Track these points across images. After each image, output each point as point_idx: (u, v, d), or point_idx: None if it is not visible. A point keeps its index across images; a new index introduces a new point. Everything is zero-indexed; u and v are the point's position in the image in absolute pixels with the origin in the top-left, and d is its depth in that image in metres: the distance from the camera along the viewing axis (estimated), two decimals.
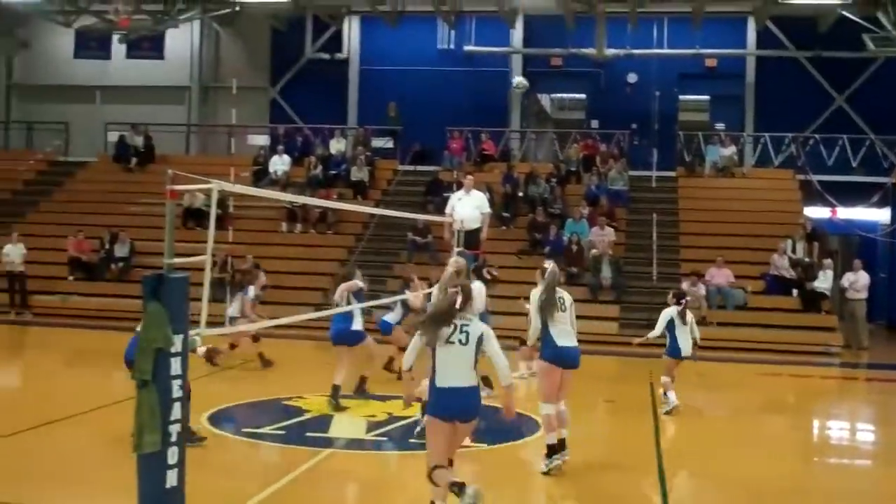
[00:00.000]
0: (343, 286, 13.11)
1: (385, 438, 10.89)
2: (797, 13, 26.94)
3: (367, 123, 29.34)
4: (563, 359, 9.60)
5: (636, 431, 12.77)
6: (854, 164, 26.62)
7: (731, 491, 9.62)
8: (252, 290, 16.22)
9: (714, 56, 28.71)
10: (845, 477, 11.08)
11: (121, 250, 23.82)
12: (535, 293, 9.77)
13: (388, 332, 15.07)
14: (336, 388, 12.67)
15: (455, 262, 11.54)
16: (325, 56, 30.53)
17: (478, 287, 13.40)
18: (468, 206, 16.86)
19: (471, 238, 16.11)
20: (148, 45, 30.33)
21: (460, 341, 7.30)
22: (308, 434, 11.05)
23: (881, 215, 26.29)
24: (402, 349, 10.63)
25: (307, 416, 12.10)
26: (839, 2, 25.13)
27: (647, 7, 26.59)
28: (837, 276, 22.38)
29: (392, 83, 29.48)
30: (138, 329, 10.33)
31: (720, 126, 29.10)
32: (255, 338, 15.94)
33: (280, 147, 27.47)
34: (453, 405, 7.31)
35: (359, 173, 26.42)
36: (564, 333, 9.64)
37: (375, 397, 13.12)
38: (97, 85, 31.71)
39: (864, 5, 25.08)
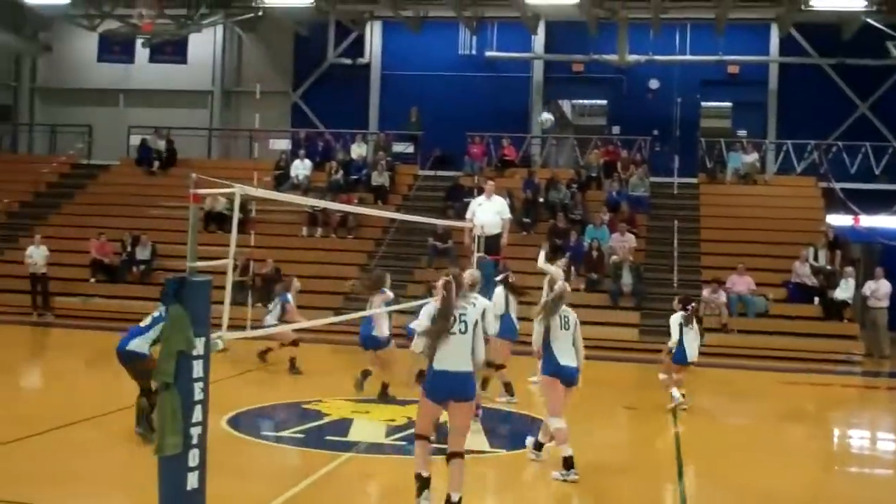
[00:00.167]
0: (379, 298, 13.32)
1: (405, 442, 10.85)
2: (821, 20, 26.80)
3: (388, 128, 29.39)
4: (563, 376, 9.77)
5: (656, 438, 12.75)
6: (877, 172, 26.50)
7: (751, 499, 9.56)
8: (291, 297, 16.27)
9: (737, 63, 28.63)
10: (866, 486, 11.00)
11: (142, 253, 23.94)
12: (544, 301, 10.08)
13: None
14: (384, 386, 13.34)
15: (470, 274, 11.59)
16: (347, 61, 30.62)
17: (498, 293, 13.52)
18: (489, 212, 16.81)
19: (491, 244, 16.09)
20: (171, 50, 30.45)
21: (460, 331, 7.87)
22: (327, 438, 11.06)
23: None
24: None
25: (326, 419, 12.11)
26: (863, 9, 25.00)
27: (670, 13, 26.52)
28: (859, 285, 22.22)
29: (413, 88, 29.52)
30: (140, 324, 10.61)
31: (742, 133, 29.00)
32: (295, 342, 15.98)
33: (301, 151, 27.55)
34: (445, 388, 7.84)
35: (379, 178, 26.46)
36: (565, 352, 9.80)
37: (395, 401, 13.13)
38: (120, 88, 31.90)
39: (888, 13, 24.98)
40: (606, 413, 14.06)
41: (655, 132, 28.18)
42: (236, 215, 7.33)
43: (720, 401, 16.76)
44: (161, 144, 28.90)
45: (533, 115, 29.88)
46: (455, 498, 7.83)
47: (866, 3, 24.49)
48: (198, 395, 6.46)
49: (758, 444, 12.40)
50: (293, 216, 25.42)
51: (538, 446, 10.14)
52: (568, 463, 9.54)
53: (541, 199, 25.21)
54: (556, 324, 9.79)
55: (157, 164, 28.53)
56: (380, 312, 13.31)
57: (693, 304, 14.03)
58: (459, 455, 7.92)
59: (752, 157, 26.74)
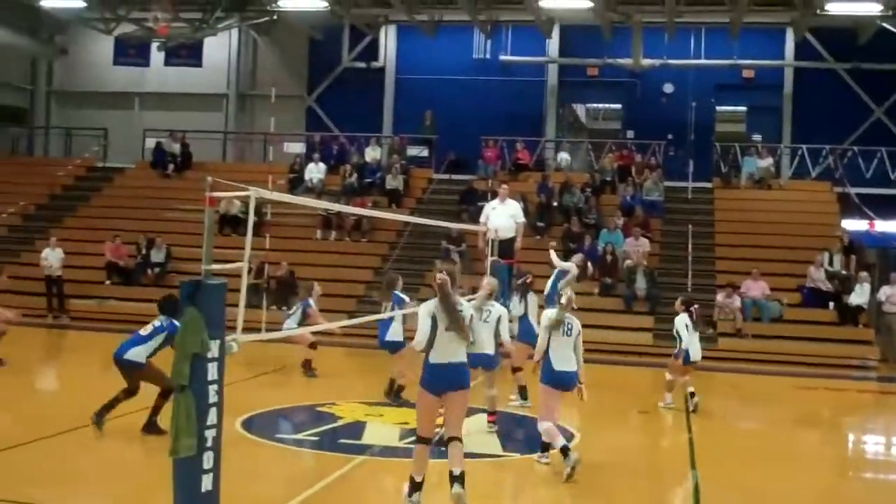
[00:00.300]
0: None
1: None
2: (836, 24, 26.73)
3: (402, 132, 29.43)
4: (559, 382, 9.95)
5: (670, 443, 12.74)
6: (892, 177, 26.45)
7: None
8: (313, 301, 16.30)
9: (751, 67, 28.59)
10: (881, 492, 10.95)
11: (157, 256, 24.01)
12: (549, 313, 10.16)
13: None
14: (400, 388, 13.31)
15: (488, 282, 11.70)
16: (362, 65, 30.71)
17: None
18: (503, 216, 16.85)
19: (505, 247, 16.13)
20: (186, 53, 30.60)
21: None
22: (341, 441, 11.06)
23: None
24: None
25: (340, 422, 12.11)
26: (879, 14, 24.91)
27: (685, 17, 26.48)
28: (874, 290, 22.13)
29: (428, 92, 29.56)
30: (141, 332, 10.70)
31: (757, 137, 28.97)
32: (313, 345, 16.02)
33: (316, 155, 27.59)
34: (443, 380, 8.17)
35: (393, 181, 26.49)
36: (564, 357, 9.94)
37: (410, 405, 13.11)
38: (136, 92, 32.05)
39: None
40: (620, 417, 14.04)
41: (670, 136, 28.16)
42: (251, 218, 7.35)
43: (734, 405, 16.71)
44: (176, 147, 29.00)
45: (547, 119, 29.89)
46: (457, 472, 8.11)
47: (882, 7, 24.40)
48: (212, 398, 6.48)
49: (772, 448, 12.36)
50: (307, 219, 25.45)
51: (544, 448, 10.14)
52: (565, 451, 9.72)
53: (555, 203, 25.19)
54: (557, 330, 9.93)
55: (171, 167, 28.61)
56: (394, 315, 13.31)
57: (696, 306, 14.14)
58: (458, 439, 8.25)
59: (767, 162, 26.67)
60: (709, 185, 26.89)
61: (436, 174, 28.16)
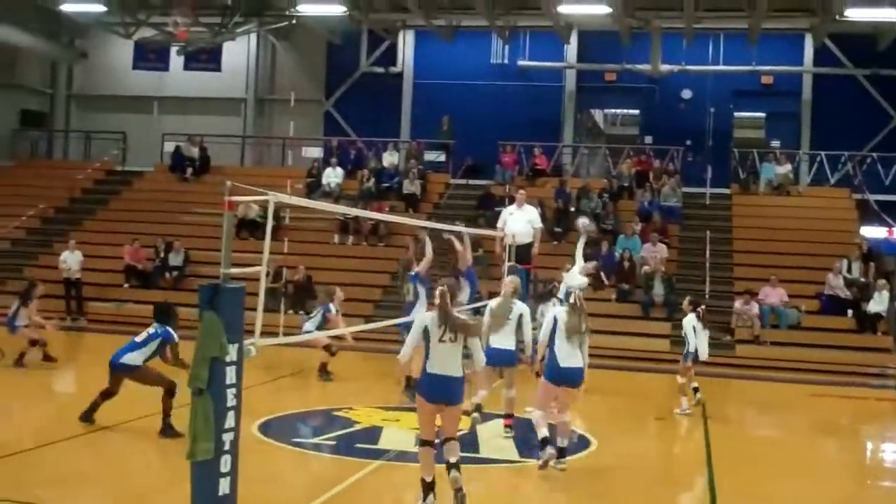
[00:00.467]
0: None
1: (434, 451, 10.84)
2: (856, 31, 26.61)
3: (419, 137, 29.44)
4: (563, 378, 10.04)
5: (687, 449, 12.71)
6: None
7: None
8: (333, 306, 16.35)
9: (770, 73, 28.47)
10: None
11: (175, 259, 24.10)
12: (560, 311, 10.24)
13: None
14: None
15: (511, 280, 11.74)
16: (380, 70, 30.74)
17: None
18: (520, 221, 16.83)
19: (522, 253, 16.11)
20: (205, 58, 30.68)
21: (450, 339, 8.36)
22: (357, 445, 11.06)
23: None
24: None
25: (357, 427, 12.12)
26: None
27: (703, 23, 26.43)
28: (893, 297, 21.98)
29: (445, 97, 29.57)
30: (136, 339, 10.95)
31: (776, 143, 28.85)
32: (334, 351, 16.06)
33: (333, 159, 27.65)
34: (438, 391, 8.38)
35: (411, 186, 26.51)
36: (569, 354, 10.01)
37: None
38: (155, 96, 32.17)
39: None
40: (637, 424, 14.01)
41: (688, 142, 28.08)
42: (270, 222, 7.37)
43: (752, 412, 16.66)
44: (194, 152, 29.09)
45: (565, 125, 29.86)
46: (453, 461, 8.39)
47: None
48: (230, 401, 6.51)
49: (789, 457, 12.31)
50: (325, 223, 25.50)
51: (561, 453, 10.12)
52: (544, 442, 9.98)
53: (572, 209, 25.15)
54: (562, 327, 10.01)
55: (190, 171, 28.71)
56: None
57: (703, 306, 14.34)
58: (453, 438, 8.55)
59: (786, 168, 26.59)
60: (727, 191, 26.81)
61: (453, 179, 28.16)
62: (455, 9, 27.63)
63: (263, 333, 7.13)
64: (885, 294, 21.51)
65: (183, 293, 22.76)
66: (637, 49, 27.61)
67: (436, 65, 30.40)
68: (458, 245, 15.25)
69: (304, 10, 27.68)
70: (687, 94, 29.05)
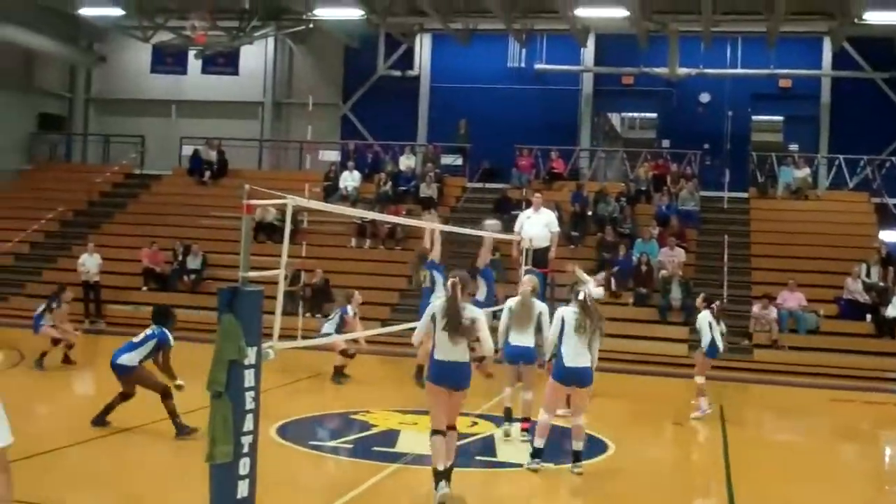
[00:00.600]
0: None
1: None
2: (874, 34, 26.47)
3: (436, 140, 29.47)
4: (571, 378, 10.02)
5: (705, 455, 12.65)
6: None
7: None
8: (351, 309, 16.39)
9: (788, 76, 28.39)
10: None
11: (193, 262, 24.17)
12: (567, 311, 10.15)
13: None
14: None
15: (530, 279, 11.76)
16: (397, 73, 30.79)
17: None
18: (537, 225, 16.80)
19: (539, 257, 16.08)
20: (223, 61, 30.80)
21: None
22: (375, 448, 11.06)
23: None
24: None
25: (374, 430, 12.13)
26: None
27: (721, 26, 26.34)
28: None
29: (462, 101, 29.59)
30: (134, 339, 11.15)
31: (794, 147, 28.77)
32: (351, 354, 16.12)
33: (350, 163, 27.69)
34: (445, 375, 8.71)
35: (428, 190, 26.53)
36: (576, 354, 9.98)
37: None
38: (173, 99, 32.29)
39: None
40: (655, 429, 13.97)
41: (706, 146, 28.03)
42: (288, 226, 7.38)
43: (770, 417, 16.60)
44: (212, 155, 29.20)
45: (582, 128, 29.83)
46: (447, 465, 8.67)
47: None
48: (249, 405, 6.52)
49: (808, 462, 12.25)
50: (342, 227, 25.54)
51: (576, 457, 10.15)
52: (537, 452, 10.08)
53: (589, 213, 25.13)
54: (570, 326, 9.98)
55: (208, 174, 28.82)
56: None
57: (717, 303, 14.39)
58: (453, 427, 8.86)
59: (804, 172, 26.49)
60: (745, 195, 26.73)
61: (470, 183, 28.19)
62: (472, 12, 27.63)
63: (281, 337, 7.14)
64: None
65: (201, 296, 22.88)
66: (654, 52, 27.56)
67: (453, 68, 30.41)
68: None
69: (322, 14, 27.75)
70: (705, 97, 28.99)
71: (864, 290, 21.88)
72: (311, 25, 28.94)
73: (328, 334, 15.77)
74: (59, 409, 13.65)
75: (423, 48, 30.81)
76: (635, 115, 35.17)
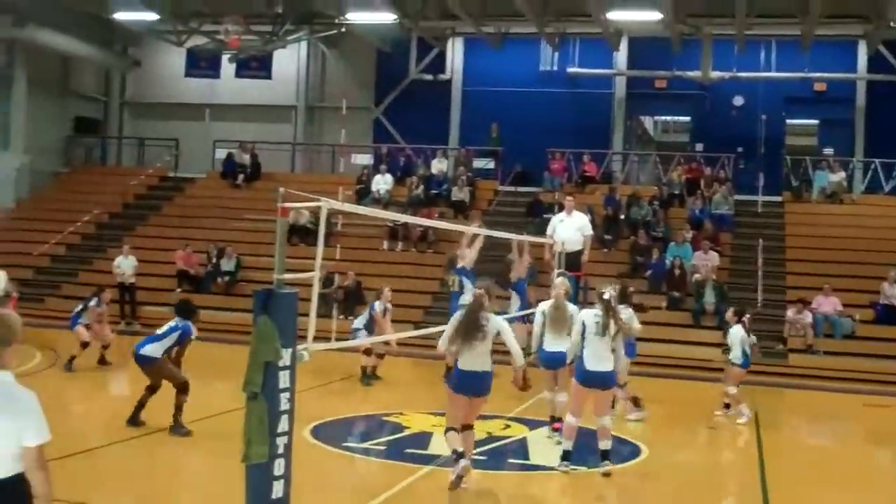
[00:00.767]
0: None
1: (484, 457, 10.84)
2: None
3: (468, 144, 29.46)
4: (592, 381, 10.10)
5: (739, 459, 12.58)
6: None
7: None
8: (378, 305, 16.47)
9: (823, 80, 28.13)
10: None
11: (227, 264, 24.30)
12: (588, 314, 10.25)
13: None
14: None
15: (563, 282, 11.77)
16: (429, 77, 30.81)
17: (628, 315, 13.34)
18: (570, 229, 16.78)
19: (572, 260, 16.05)
20: (256, 65, 30.95)
21: (481, 338, 9.09)
22: (407, 450, 11.09)
23: None
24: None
25: (407, 432, 12.16)
26: None
27: (755, 30, 26.18)
28: None
29: (494, 104, 29.55)
30: (157, 331, 11.44)
31: (829, 151, 28.51)
32: (381, 354, 16.24)
33: (383, 166, 27.74)
34: (469, 385, 9.15)
35: (460, 193, 26.53)
36: (598, 357, 10.06)
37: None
38: (207, 103, 32.47)
39: None
40: (688, 433, 13.92)
41: (739, 149, 27.84)
42: (322, 229, 7.42)
43: (805, 422, 16.49)
44: (246, 158, 29.36)
45: (615, 132, 29.74)
46: (460, 450, 9.09)
47: None
48: (284, 406, 6.56)
49: (844, 468, 12.16)
50: (374, 230, 25.60)
51: (604, 455, 10.20)
52: (566, 456, 10.15)
53: (622, 216, 25.04)
54: (591, 330, 10.05)
55: (241, 177, 28.98)
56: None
57: (748, 315, 14.51)
58: (470, 427, 9.33)
59: (839, 176, 26.26)
60: (779, 199, 26.54)
61: (502, 186, 28.14)
62: (504, 16, 27.57)
63: (315, 339, 7.17)
64: None
65: (234, 298, 23.04)
66: (688, 55, 27.41)
67: (485, 72, 30.41)
68: (517, 253, 15.42)
69: (354, 18, 27.81)
70: (738, 100, 28.81)
71: None
72: (343, 29, 29.02)
73: (358, 329, 15.98)
74: (95, 409, 13.79)
75: (455, 52, 30.82)
76: (668, 118, 35.01)
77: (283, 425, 6.54)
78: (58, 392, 13.71)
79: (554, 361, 11.42)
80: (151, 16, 28.65)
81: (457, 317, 9.38)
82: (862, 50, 27.91)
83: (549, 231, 17.05)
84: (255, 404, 6.41)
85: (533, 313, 12.58)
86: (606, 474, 10.05)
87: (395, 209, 24.29)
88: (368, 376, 16.12)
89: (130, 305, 23.39)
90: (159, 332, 11.63)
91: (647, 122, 34.37)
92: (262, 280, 21.13)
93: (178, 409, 11.12)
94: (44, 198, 29.97)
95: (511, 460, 10.92)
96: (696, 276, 22.27)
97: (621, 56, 29.35)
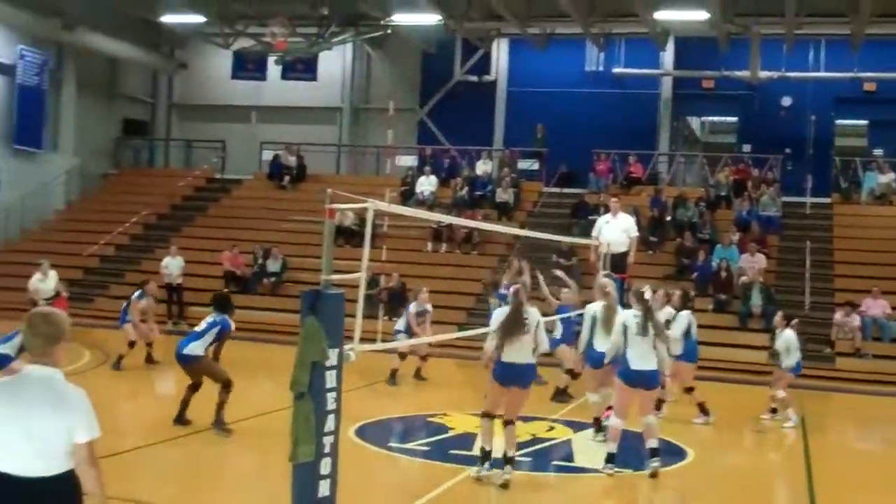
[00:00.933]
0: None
1: (528, 459, 10.84)
2: None
3: (513, 145, 29.40)
4: (637, 380, 10.14)
5: (786, 464, 12.46)
6: None
7: None
8: (414, 306, 16.53)
9: (873, 80, 27.76)
10: None
11: (273, 265, 24.45)
12: (628, 314, 10.30)
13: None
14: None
15: (610, 282, 11.85)
16: (474, 78, 30.81)
17: (685, 317, 13.38)
18: (616, 230, 16.70)
19: (618, 262, 15.99)
20: (302, 67, 31.12)
21: (525, 331, 9.46)
22: (452, 451, 11.10)
23: None
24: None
25: (451, 433, 12.18)
26: None
27: (804, 29, 25.87)
28: None
29: (539, 105, 29.47)
30: (196, 329, 11.49)
31: (878, 152, 28.10)
32: (423, 356, 16.40)
33: (427, 168, 27.79)
34: (512, 376, 9.49)
35: (504, 194, 26.50)
36: (641, 357, 10.11)
37: (518, 417, 13.08)
38: (253, 105, 32.71)
39: None
40: (735, 437, 13.80)
41: (788, 150, 27.54)
42: (369, 230, 7.43)
43: (853, 426, 16.29)
44: (292, 160, 29.52)
45: (661, 133, 29.56)
46: (511, 453, 9.49)
47: None
48: (330, 405, 6.58)
49: (892, 472, 11.99)
50: (418, 231, 25.63)
51: (653, 453, 10.19)
52: (610, 457, 10.15)
53: (668, 218, 24.87)
54: (632, 330, 10.11)
55: (287, 179, 29.15)
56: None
57: (796, 320, 14.57)
58: (512, 422, 9.57)
59: (889, 177, 25.87)
60: (828, 200, 26.22)
61: (546, 187, 28.05)
62: (549, 17, 27.48)
63: (361, 339, 7.19)
64: None
65: (280, 299, 23.18)
66: (735, 55, 27.16)
67: (530, 73, 30.35)
68: (567, 280, 15.49)
69: (399, 19, 27.88)
70: (787, 101, 28.51)
71: None
72: (388, 31, 29.11)
73: (399, 332, 16.11)
74: (143, 408, 13.93)
75: (499, 53, 30.79)
76: (715, 119, 34.73)
77: (329, 425, 6.57)
78: (107, 390, 13.85)
79: (602, 362, 11.44)
80: (198, 18, 28.95)
81: (497, 317, 9.68)
82: None
83: (594, 233, 16.99)
84: (301, 404, 6.44)
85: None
86: (654, 474, 9.99)
87: (439, 211, 24.31)
88: (418, 376, 16.28)
89: (178, 306, 23.60)
90: (198, 329, 11.68)
91: (694, 122, 34.13)
92: (307, 281, 21.25)
93: (221, 406, 11.20)
94: (93, 199, 30.34)
95: (555, 462, 10.88)
96: (743, 278, 22.06)
97: (668, 56, 29.18)
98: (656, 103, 29.71)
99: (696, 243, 23.49)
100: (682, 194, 25.58)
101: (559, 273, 16.26)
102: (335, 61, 31.40)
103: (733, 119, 31.39)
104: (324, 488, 6.52)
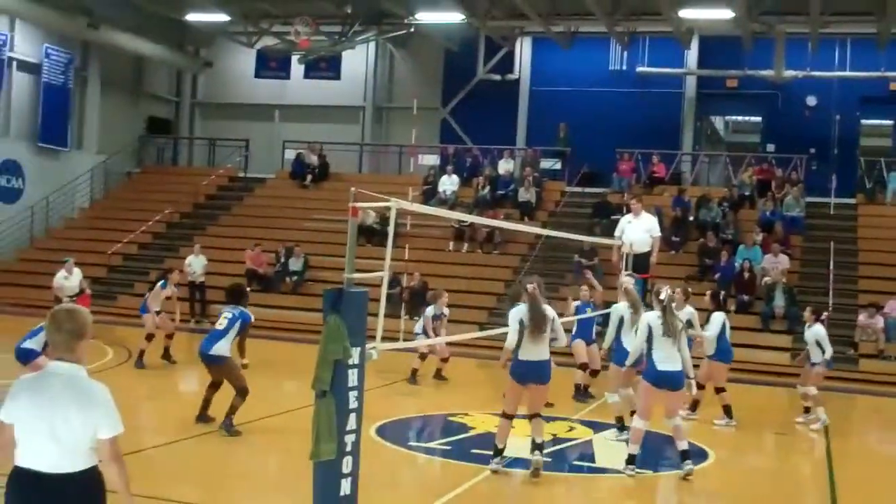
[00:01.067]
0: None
1: (549, 459, 10.82)
2: None
3: (535, 144, 29.36)
4: (664, 381, 10.10)
5: (808, 466, 12.40)
6: None
7: None
8: (431, 309, 16.54)
9: None
10: None
11: (295, 264, 24.52)
12: (652, 316, 10.26)
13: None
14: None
15: (624, 281, 11.83)
16: (496, 77, 30.78)
17: (720, 318, 13.33)
18: (638, 230, 16.62)
19: (640, 262, 15.93)
20: (325, 66, 31.23)
21: (546, 328, 9.69)
22: (473, 451, 11.10)
23: None
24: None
25: (472, 433, 12.17)
26: None
27: (829, 28, 25.70)
28: None
29: (562, 104, 29.42)
30: (218, 327, 11.36)
31: None
32: (445, 357, 16.44)
33: (449, 167, 27.79)
34: (527, 373, 9.71)
35: (526, 194, 26.46)
36: (667, 358, 10.08)
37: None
38: (276, 104, 32.81)
39: None
40: (757, 438, 13.74)
41: (812, 150, 27.37)
42: (392, 229, 7.45)
43: (876, 429, 16.18)
44: (314, 159, 29.60)
45: (684, 132, 29.44)
46: (539, 440, 9.72)
47: None
48: (352, 404, 6.59)
49: None
50: (440, 231, 25.64)
51: (684, 455, 10.12)
52: (631, 458, 10.12)
53: (691, 218, 24.78)
54: (657, 331, 10.08)
55: (310, 178, 29.22)
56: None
57: (826, 314, 14.62)
58: (538, 415, 9.84)
59: None
60: (852, 201, 26.05)
61: (569, 187, 27.98)
62: (573, 15, 27.41)
63: (383, 338, 7.20)
64: None
65: (303, 297, 23.25)
66: (760, 54, 27.02)
67: (553, 72, 30.29)
68: (595, 284, 15.61)
69: (423, 18, 27.88)
70: (811, 100, 28.33)
71: None
72: (411, 30, 29.09)
73: (419, 333, 16.13)
74: (166, 406, 13.99)
75: (523, 51, 30.75)
76: (739, 118, 34.58)
77: (351, 423, 6.58)
78: (129, 388, 13.92)
79: (621, 357, 11.51)
80: (223, 17, 29.09)
81: (515, 316, 9.75)
82: None
83: (617, 233, 16.92)
84: (323, 402, 6.45)
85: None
86: (688, 475, 9.94)
87: (461, 210, 24.29)
88: (438, 376, 16.30)
89: (200, 304, 23.72)
90: (220, 327, 11.52)
91: (718, 122, 33.99)
92: (329, 280, 21.33)
93: (233, 410, 11.15)
94: (117, 197, 30.53)
95: (576, 462, 10.87)
96: (766, 279, 21.97)
97: (692, 55, 29.07)
98: (680, 102, 29.59)
99: (719, 244, 23.41)
100: (706, 194, 25.48)
101: (588, 275, 16.35)
102: (358, 60, 31.46)
103: (757, 119, 31.25)
104: (345, 486, 6.53)
